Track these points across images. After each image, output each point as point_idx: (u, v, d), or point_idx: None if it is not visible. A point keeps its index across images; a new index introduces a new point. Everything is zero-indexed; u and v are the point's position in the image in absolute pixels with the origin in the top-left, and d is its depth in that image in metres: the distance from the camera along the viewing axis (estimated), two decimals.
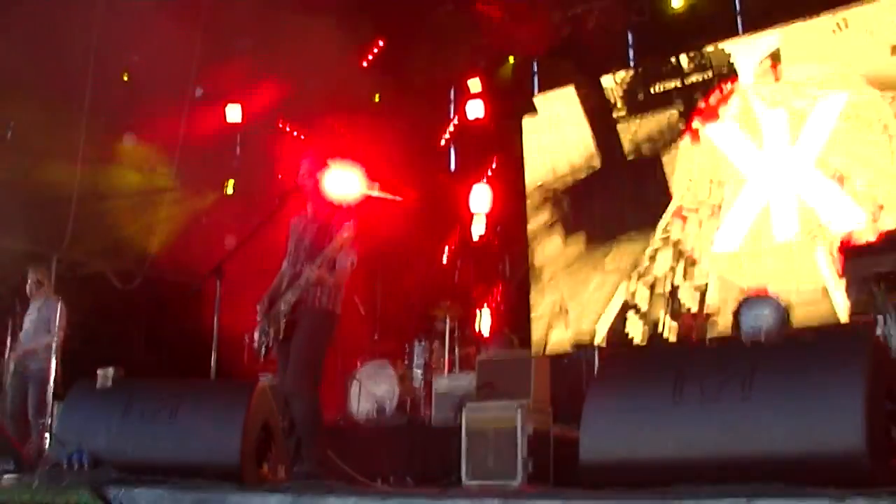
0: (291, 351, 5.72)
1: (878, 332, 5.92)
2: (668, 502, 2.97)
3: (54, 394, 7.66)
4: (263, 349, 5.92)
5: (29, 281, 8.52)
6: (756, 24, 10.51)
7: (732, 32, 10.73)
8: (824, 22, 9.84)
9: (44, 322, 8.21)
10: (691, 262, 10.41)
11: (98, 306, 8.99)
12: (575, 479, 3.93)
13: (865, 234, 8.96)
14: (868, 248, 6.79)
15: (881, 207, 9.16)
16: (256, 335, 5.97)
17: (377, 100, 12.71)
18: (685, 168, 10.70)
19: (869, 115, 9.48)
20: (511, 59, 12.45)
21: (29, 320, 8.34)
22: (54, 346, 7.98)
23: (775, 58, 10.01)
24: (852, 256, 6.74)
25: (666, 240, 10.68)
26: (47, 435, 7.44)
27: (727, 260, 10.13)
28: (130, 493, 4.34)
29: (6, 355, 8.31)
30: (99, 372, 8.32)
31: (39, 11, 8.82)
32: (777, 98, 10.16)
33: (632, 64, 11.58)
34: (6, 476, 5.49)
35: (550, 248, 11.61)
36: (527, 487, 5.85)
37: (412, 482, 6.73)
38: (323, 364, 5.85)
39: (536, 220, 11.70)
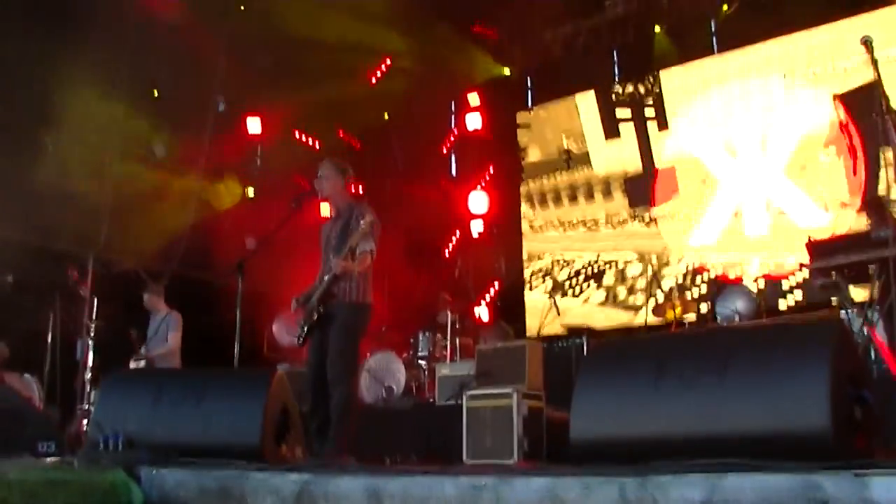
0: (329, 343, 5.70)
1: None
2: (649, 477, 2.96)
3: (91, 381, 7.68)
4: (301, 339, 5.91)
5: (146, 298, 8.85)
6: (729, 45, 10.57)
7: (709, 53, 10.79)
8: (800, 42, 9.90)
9: (162, 334, 8.54)
10: (673, 255, 10.47)
11: (131, 302, 8.99)
12: (566, 456, 3.93)
13: (829, 231, 9.00)
14: (832, 244, 6.77)
15: (843, 205, 9.23)
16: (297, 327, 5.97)
17: (386, 117, 12.72)
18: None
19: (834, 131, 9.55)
20: (506, 70, 12.47)
21: (151, 330, 8.70)
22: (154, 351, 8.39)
23: None
24: (817, 251, 6.72)
25: (650, 234, 10.73)
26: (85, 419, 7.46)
27: (704, 253, 10.18)
28: (161, 472, 4.33)
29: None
30: (132, 362, 8.39)
31: (73, 27, 8.83)
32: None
33: (616, 79, 11.61)
34: (49, 457, 5.50)
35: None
36: (522, 464, 5.85)
37: (417, 460, 6.73)
38: (359, 353, 5.84)
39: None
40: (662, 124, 10.91)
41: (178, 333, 8.59)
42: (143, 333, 8.76)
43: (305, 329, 5.85)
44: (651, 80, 11.05)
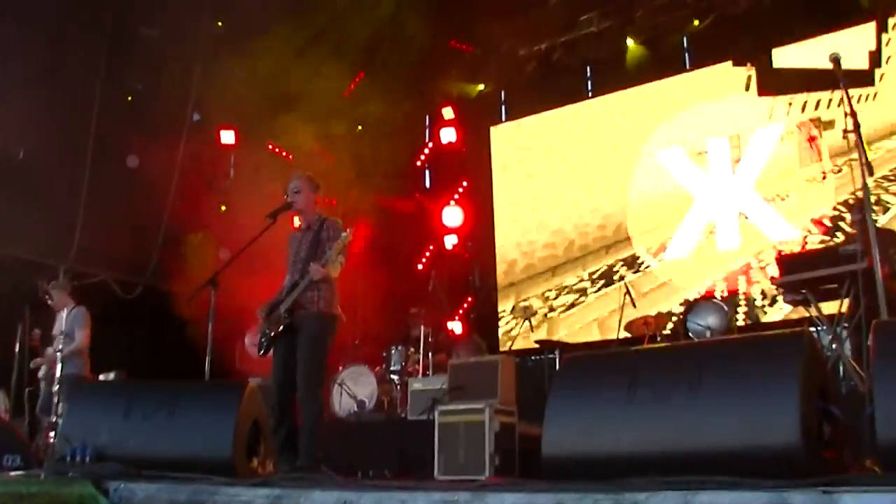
0: (298, 355, 5.66)
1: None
2: (622, 493, 2.96)
3: (59, 393, 7.59)
4: (264, 348, 5.88)
5: (51, 294, 8.46)
6: (701, 62, 10.68)
7: (681, 69, 10.89)
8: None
9: (69, 331, 8.15)
10: (645, 269, 10.52)
11: (102, 313, 8.90)
12: (538, 472, 3.93)
13: (799, 246, 9.11)
14: (802, 258, 6.85)
15: (813, 220, 9.34)
16: (258, 336, 5.94)
17: (360, 129, 12.69)
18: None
19: (803, 148, 9.67)
20: (479, 87, 12.51)
21: (57, 329, 8.29)
22: (63, 349, 7.90)
23: None
24: (788, 265, 6.79)
25: (622, 245, 10.77)
26: (53, 431, 7.37)
27: (677, 267, 10.25)
28: (130, 486, 4.29)
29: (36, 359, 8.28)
30: (101, 376, 8.28)
31: (49, 38, 8.77)
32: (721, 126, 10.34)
33: (590, 95, 11.70)
34: (15, 470, 5.42)
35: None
36: (494, 479, 5.83)
37: (390, 474, 6.71)
38: (327, 364, 5.82)
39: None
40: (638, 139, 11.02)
41: (86, 330, 8.20)
42: (48, 333, 8.43)
43: (269, 338, 5.81)
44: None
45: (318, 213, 6.13)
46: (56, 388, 7.66)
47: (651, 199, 10.70)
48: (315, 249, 5.86)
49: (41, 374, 8.22)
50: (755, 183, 9.92)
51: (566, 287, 11.18)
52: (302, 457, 5.46)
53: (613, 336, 9.32)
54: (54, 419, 7.57)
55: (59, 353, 7.84)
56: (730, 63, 10.37)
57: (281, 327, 5.72)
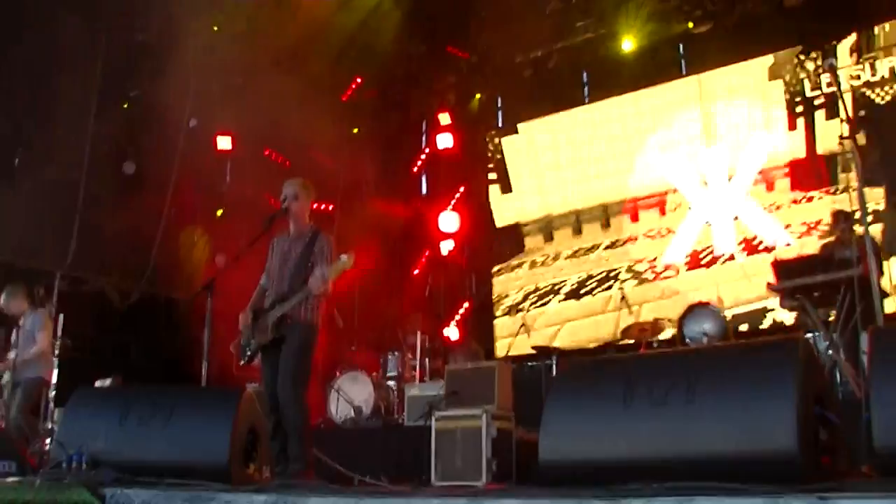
0: (282, 362, 5.64)
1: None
2: (618, 499, 2.96)
3: (55, 399, 7.55)
4: (247, 357, 5.85)
5: (3, 301, 8.20)
6: (697, 68, 10.69)
7: (677, 75, 10.90)
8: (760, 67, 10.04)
9: (29, 335, 7.99)
10: (641, 273, 10.52)
11: (99, 319, 8.89)
12: (535, 478, 3.93)
13: (795, 252, 9.12)
14: (797, 264, 6.84)
15: (804, 223, 9.35)
16: (241, 344, 5.91)
17: (356, 131, 12.68)
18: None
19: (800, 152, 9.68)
20: (477, 96, 12.53)
21: (18, 334, 8.19)
22: (23, 354, 7.81)
23: None
24: (784, 271, 6.78)
25: (619, 252, 10.77)
26: (49, 438, 7.34)
27: (674, 272, 10.25)
28: (126, 492, 4.27)
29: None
30: (97, 382, 8.24)
31: (46, 45, 8.76)
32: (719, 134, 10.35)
33: (586, 101, 11.71)
34: (10, 477, 5.40)
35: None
36: (491, 486, 5.82)
37: (386, 480, 6.69)
38: (310, 372, 5.80)
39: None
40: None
41: (45, 332, 7.94)
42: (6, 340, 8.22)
43: (255, 348, 5.79)
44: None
45: (311, 223, 6.11)
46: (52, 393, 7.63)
47: (648, 204, 10.71)
48: (306, 261, 5.81)
49: (3, 381, 8.13)
50: (751, 188, 9.94)
51: (565, 291, 11.18)
52: (293, 463, 5.45)
53: (610, 341, 9.33)
54: (50, 426, 7.55)
55: (16, 361, 7.76)
56: (725, 69, 10.38)
57: (269, 337, 5.70)
